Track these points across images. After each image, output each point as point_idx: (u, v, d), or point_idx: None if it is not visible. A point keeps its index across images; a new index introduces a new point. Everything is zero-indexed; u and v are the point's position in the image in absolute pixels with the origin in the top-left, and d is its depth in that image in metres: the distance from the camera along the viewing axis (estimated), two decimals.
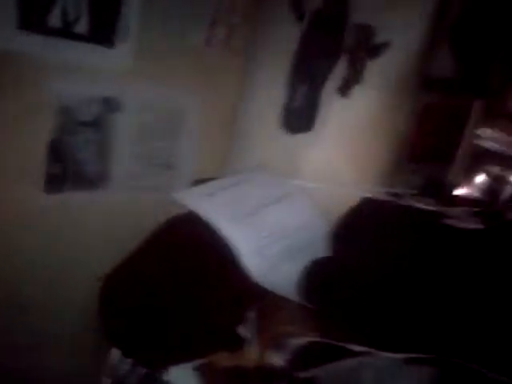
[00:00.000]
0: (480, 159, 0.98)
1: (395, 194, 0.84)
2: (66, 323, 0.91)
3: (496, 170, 0.99)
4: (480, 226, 0.75)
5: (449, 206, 0.81)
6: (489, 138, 0.97)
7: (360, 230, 0.81)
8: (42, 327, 0.88)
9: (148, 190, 0.91)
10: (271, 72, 0.94)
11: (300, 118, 0.92)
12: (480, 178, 0.98)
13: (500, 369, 0.59)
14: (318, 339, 0.64)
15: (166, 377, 0.72)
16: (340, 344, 0.63)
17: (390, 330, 0.67)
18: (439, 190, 0.91)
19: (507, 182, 0.96)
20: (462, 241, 0.73)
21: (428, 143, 0.90)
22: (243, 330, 0.79)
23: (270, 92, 0.95)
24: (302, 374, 0.62)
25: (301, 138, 0.93)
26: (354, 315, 0.68)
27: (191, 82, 0.90)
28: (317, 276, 0.78)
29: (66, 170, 0.78)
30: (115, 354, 0.79)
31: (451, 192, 0.94)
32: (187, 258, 0.75)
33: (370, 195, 0.84)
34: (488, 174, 0.98)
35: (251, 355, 0.77)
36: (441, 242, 0.74)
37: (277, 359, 0.70)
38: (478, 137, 0.97)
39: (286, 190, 0.87)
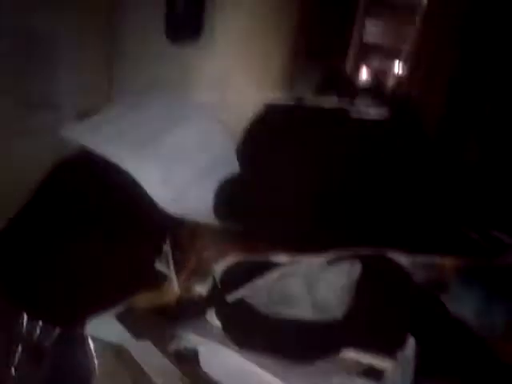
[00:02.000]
0: (367, 52, 0.99)
1: (298, 97, 0.79)
2: None
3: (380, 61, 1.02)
4: (385, 116, 0.74)
5: (351, 100, 0.78)
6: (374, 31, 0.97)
7: (266, 141, 0.77)
8: None
9: (32, 134, 0.80)
10: None
11: (185, 25, 0.82)
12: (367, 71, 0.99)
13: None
14: (239, 259, 0.61)
15: (85, 331, 0.65)
16: (263, 259, 0.61)
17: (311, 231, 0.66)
18: (339, 85, 0.88)
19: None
20: (372, 131, 0.72)
21: (321, 34, 0.85)
22: (161, 265, 0.74)
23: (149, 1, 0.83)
24: (231, 297, 0.59)
25: (190, 49, 0.83)
26: (270, 223, 0.65)
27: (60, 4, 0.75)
28: (227, 195, 0.74)
29: None
30: (23, 318, 0.70)
31: (350, 86, 0.92)
32: (88, 200, 0.67)
33: (271, 102, 0.79)
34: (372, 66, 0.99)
35: (172, 290, 0.74)
36: (353, 136, 0.72)
37: (201, 288, 0.66)
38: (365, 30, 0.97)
39: (182, 111, 0.79)
